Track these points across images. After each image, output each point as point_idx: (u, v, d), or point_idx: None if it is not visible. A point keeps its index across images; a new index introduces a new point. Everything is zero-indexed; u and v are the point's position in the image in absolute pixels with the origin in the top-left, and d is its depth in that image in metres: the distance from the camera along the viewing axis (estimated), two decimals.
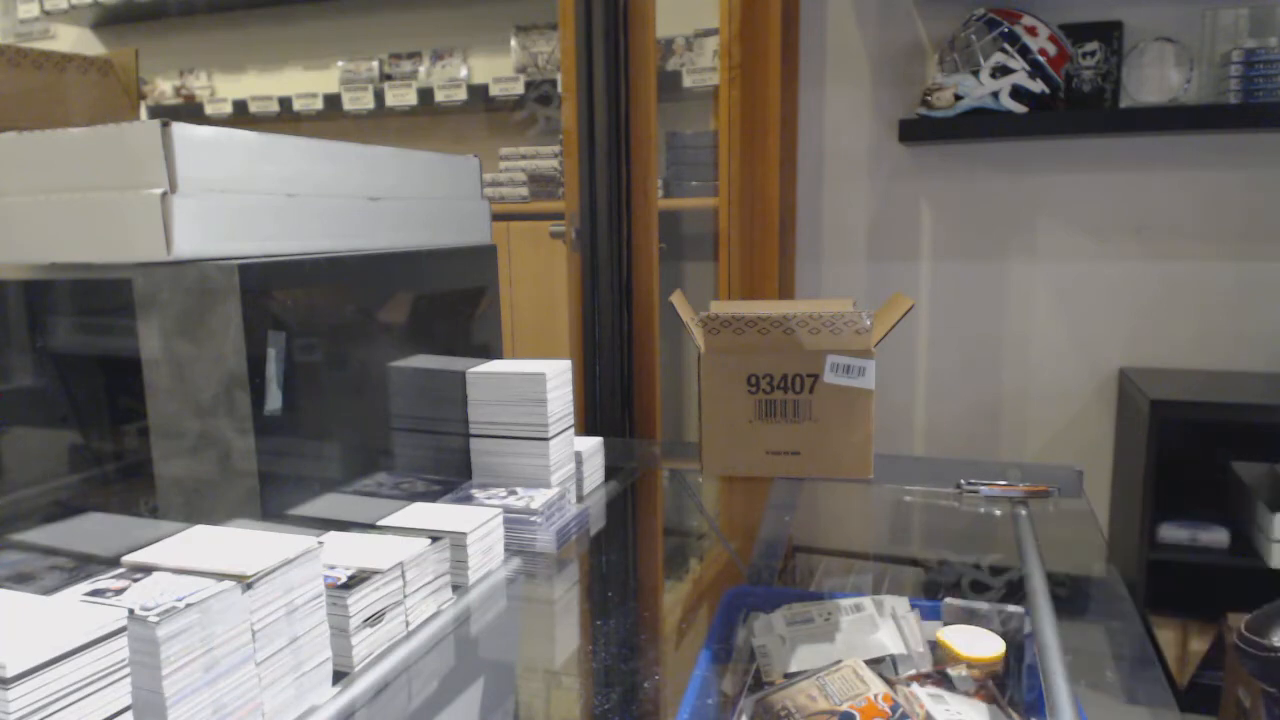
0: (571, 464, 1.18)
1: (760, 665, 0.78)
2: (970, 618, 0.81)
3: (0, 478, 0.97)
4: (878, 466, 1.27)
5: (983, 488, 1.20)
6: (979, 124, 2.06)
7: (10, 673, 0.49)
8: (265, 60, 3.33)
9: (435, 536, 0.88)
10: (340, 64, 3.18)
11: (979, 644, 0.76)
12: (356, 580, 0.77)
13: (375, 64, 3.14)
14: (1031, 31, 2.00)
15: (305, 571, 0.69)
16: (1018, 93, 2.00)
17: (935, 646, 0.78)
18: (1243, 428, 2.05)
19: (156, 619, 0.57)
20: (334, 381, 0.94)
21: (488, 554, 0.96)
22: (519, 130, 2.91)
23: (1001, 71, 2.00)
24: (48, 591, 0.61)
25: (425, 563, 0.85)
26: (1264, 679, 0.97)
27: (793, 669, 0.75)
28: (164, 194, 0.77)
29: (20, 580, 0.79)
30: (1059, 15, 2.07)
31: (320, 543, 0.70)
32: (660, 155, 2.30)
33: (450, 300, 1.19)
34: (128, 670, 0.56)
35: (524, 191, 2.81)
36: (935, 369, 2.38)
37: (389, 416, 1.03)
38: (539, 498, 1.07)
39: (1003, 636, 0.77)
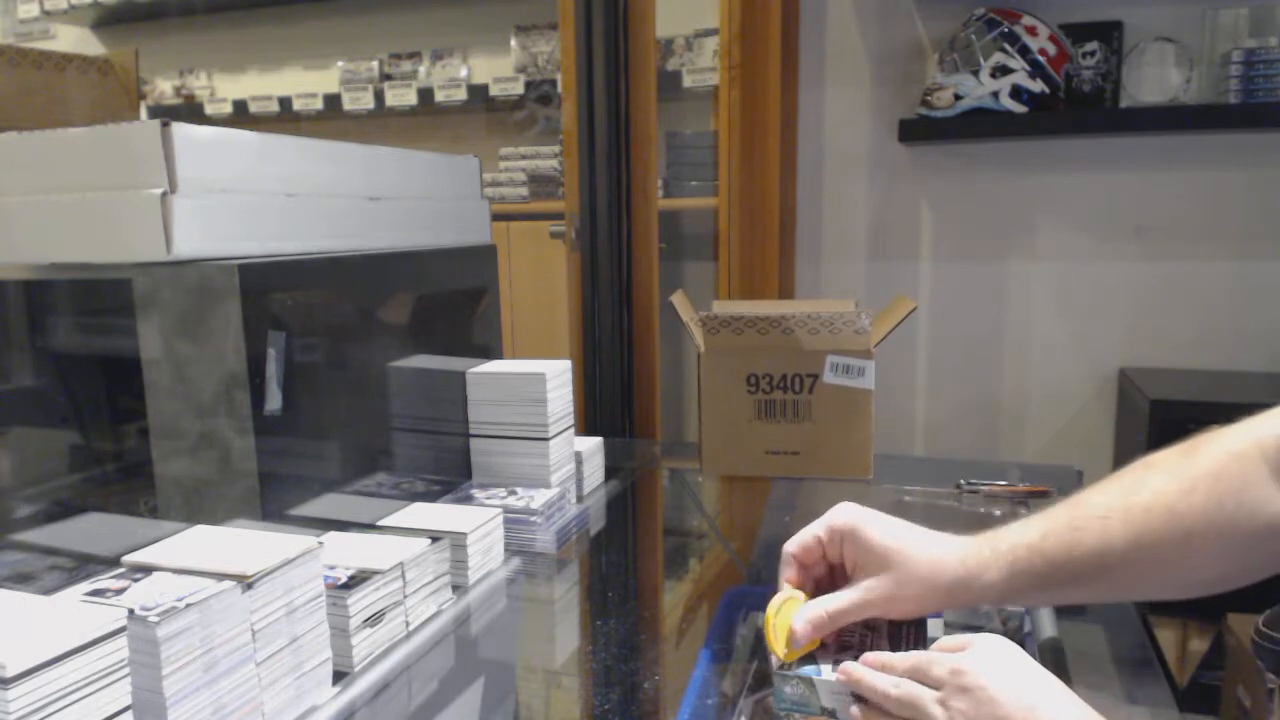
0: (571, 464, 1.18)
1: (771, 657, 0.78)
2: (970, 618, 0.81)
3: (0, 478, 0.97)
4: (878, 466, 1.27)
5: (983, 488, 1.20)
6: (979, 124, 2.06)
7: (10, 673, 0.49)
8: (265, 60, 3.33)
9: (435, 537, 0.88)
10: (340, 64, 3.18)
11: None
12: (356, 580, 0.77)
13: (375, 64, 3.14)
14: (1031, 31, 1.99)
15: (305, 571, 0.69)
16: (1018, 93, 2.00)
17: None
18: None
19: (156, 619, 0.57)
20: (334, 381, 0.94)
21: (488, 554, 0.96)
22: (519, 130, 2.91)
23: (1001, 71, 2.00)
24: (48, 591, 0.61)
25: (425, 563, 0.85)
26: None
27: None
28: (164, 194, 0.77)
29: (20, 580, 0.79)
30: (1059, 15, 2.07)
31: (320, 543, 0.70)
32: (660, 155, 2.30)
33: (450, 300, 1.19)
34: (128, 670, 0.56)
35: (524, 191, 2.81)
36: (935, 369, 2.38)
37: (389, 416, 1.03)
38: (539, 498, 1.07)
39: (1003, 636, 0.77)
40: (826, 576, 0.71)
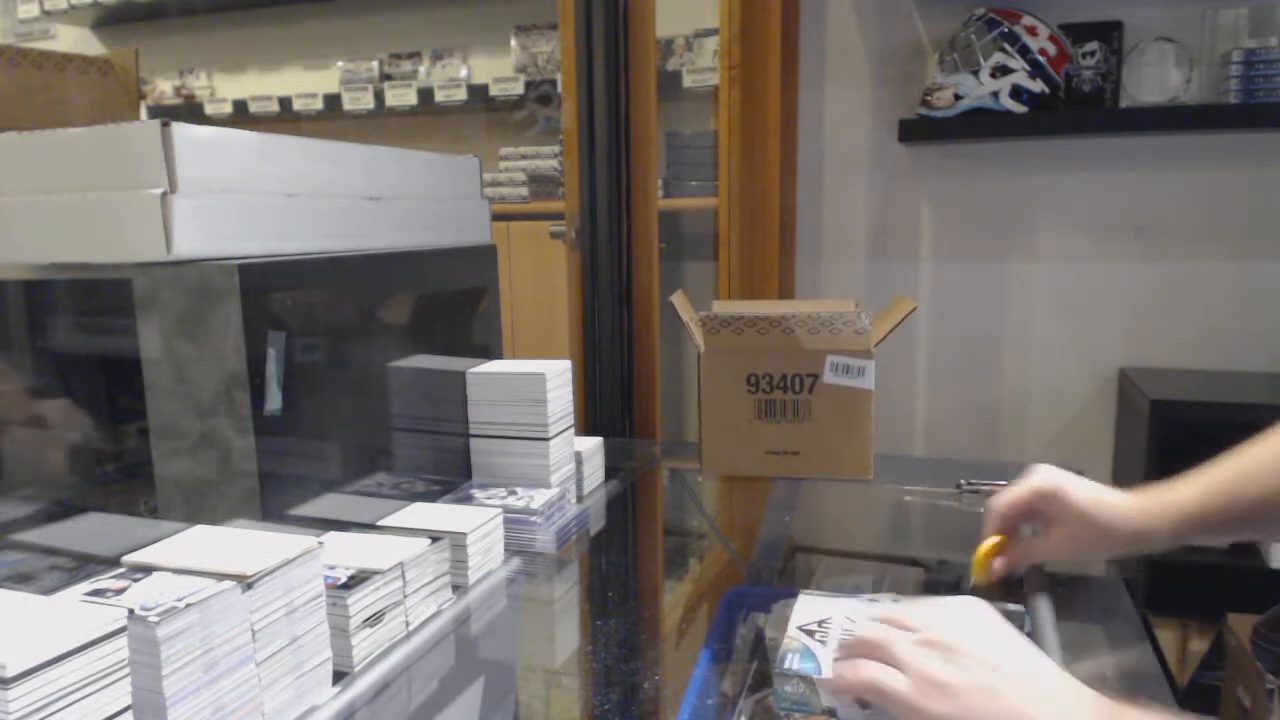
0: (571, 464, 1.18)
1: (771, 656, 0.78)
2: None
3: (0, 478, 0.97)
4: (878, 466, 1.27)
5: (983, 487, 1.20)
6: (979, 124, 2.06)
7: (10, 673, 0.49)
8: (265, 60, 3.33)
9: (435, 537, 0.88)
10: (340, 64, 3.18)
11: None
12: (356, 580, 0.77)
13: (375, 64, 3.14)
14: (1031, 31, 1.99)
15: (305, 571, 0.69)
16: (1018, 93, 2.00)
17: None
18: (1243, 428, 2.04)
19: (156, 619, 0.57)
20: (334, 381, 0.94)
21: (488, 554, 0.96)
22: (519, 130, 2.91)
23: (1001, 71, 2.00)
24: (48, 591, 0.61)
25: (425, 563, 0.85)
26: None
27: None
28: (164, 194, 0.77)
29: (20, 580, 0.79)
30: (1059, 15, 2.07)
31: (320, 543, 0.70)
32: (660, 155, 2.30)
33: (450, 300, 1.19)
34: (128, 670, 0.56)
35: (524, 191, 2.81)
36: (935, 369, 2.38)
37: (389, 416, 1.03)
38: (539, 498, 1.07)
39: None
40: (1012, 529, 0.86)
